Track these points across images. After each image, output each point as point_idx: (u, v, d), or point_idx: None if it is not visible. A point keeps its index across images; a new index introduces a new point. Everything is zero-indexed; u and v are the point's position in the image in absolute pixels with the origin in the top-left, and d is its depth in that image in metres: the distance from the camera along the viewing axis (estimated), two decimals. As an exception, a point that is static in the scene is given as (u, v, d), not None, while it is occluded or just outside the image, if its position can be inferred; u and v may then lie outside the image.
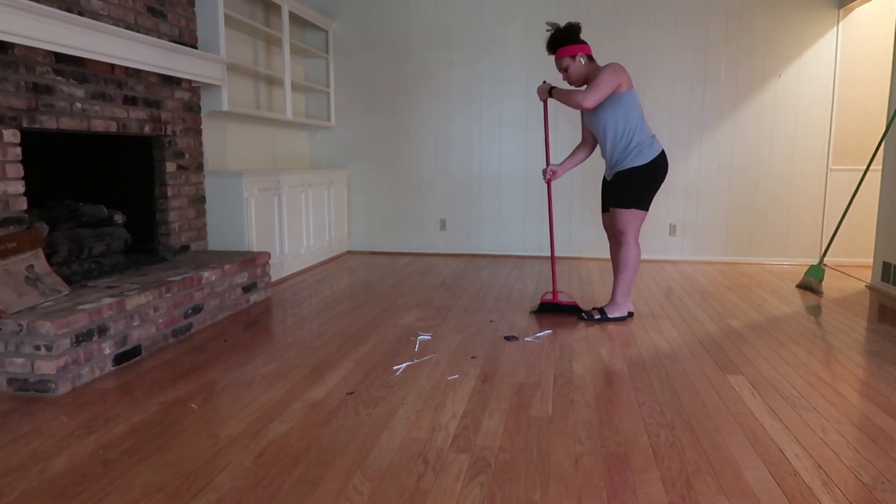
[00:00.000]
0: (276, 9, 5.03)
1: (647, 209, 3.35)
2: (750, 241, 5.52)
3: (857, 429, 2.13)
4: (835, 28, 5.19)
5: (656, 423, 2.18)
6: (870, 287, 4.45)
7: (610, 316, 3.46)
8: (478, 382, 2.56)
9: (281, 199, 4.56)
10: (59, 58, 2.94)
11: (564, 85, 5.19)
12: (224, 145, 4.50)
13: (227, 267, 3.55)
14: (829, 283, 4.62)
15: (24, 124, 2.77)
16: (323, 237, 5.36)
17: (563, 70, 3.37)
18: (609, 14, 5.40)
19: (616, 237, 3.44)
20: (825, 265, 5.19)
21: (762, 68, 5.32)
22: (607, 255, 5.67)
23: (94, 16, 3.12)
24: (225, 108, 4.06)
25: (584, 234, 5.67)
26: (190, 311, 3.22)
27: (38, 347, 2.36)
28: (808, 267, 4.92)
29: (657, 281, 4.70)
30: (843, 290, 4.38)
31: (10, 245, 2.59)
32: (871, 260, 5.14)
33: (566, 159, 3.66)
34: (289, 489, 1.73)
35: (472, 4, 5.57)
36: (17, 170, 2.75)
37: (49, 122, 2.90)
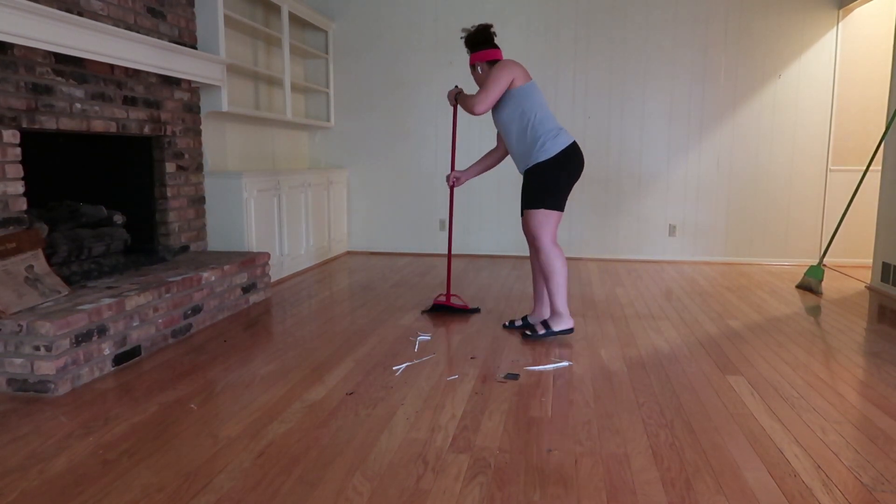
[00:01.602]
0: (276, 9, 5.03)
1: (559, 209, 3.07)
2: (749, 241, 5.52)
3: (857, 429, 2.13)
4: (834, 28, 5.20)
5: (656, 423, 2.18)
6: (869, 288, 4.45)
7: (555, 329, 3.14)
8: (477, 383, 2.56)
9: (280, 200, 4.56)
10: (59, 58, 2.94)
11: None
12: (224, 146, 4.50)
13: (226, 267, 3.55)
14: (829, 284, 4.62)
15: (24, 125, 2.77)
16: (322, 238, 5.36)
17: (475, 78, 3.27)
18: (609, 14, 5.41)
19: (530, 242, 3.17)
20: (825, 266, 5.19)
21: (762, 68, 5.32)
22: (607, 255, 5.67)
23: (94, 16, 3.12)
24: (224, 108, 4.06)
25: (584, 235, 5.67)
26: (189, 312, 3.22)
27: (37, 348, 2.36)
28: (807, 267, 4.92)
29: (657, 281, 4.70)
30: (843, 291, 4.38)
31: (10, 245, 2.59)
32: (871, 260, 5.13)
33: (472, 165, 3.50)
34: (288, 490, 1.73)
35: (472, 4, 5.57)
36: (16, 170, 2.75)
37: (49, 123, 2.90)
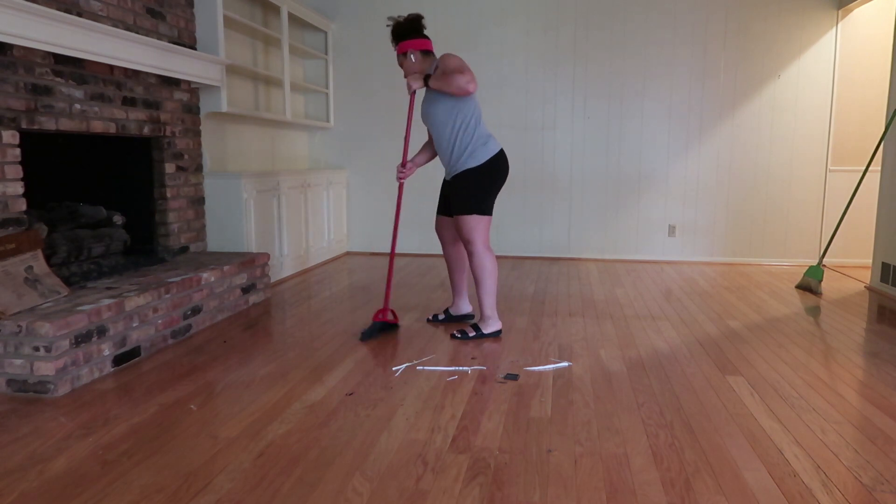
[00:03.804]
0: (275, 10, 5.03)
1: (489, 213, 3.09)
2: (749, 241, 5.52)
3: (857, 429, 2.13)
4: (834, 29, 5.20)
5: (655, 423, 2.18)
6: (869, 288, 4.45)
7: (485, 332, 3.16)
8: (477, 383, 2.56)
9: (280, 200, 4.56)
10: (58, 59, 2.94)
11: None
12: (223, 146, 4.50)
13: (226, 268, 3.55)
14: (829, 284, 4.62)
15: (24, 125, 2.77)
16: (322, 238, 5.36)
17: (400, 66, 3.22)
18: (608, 14, 5.41)
19: (464, 246, 3.16)
20: (824, 266, 5.19)
21: (761, 69, 5.32)
22: (607, 255, 5.67)
23: (93, 17, 3.12)
24: (224, 109, 4.06)
25: (583, 235, 5.67)
26: (189, 313, 3.22)
27: (37, 348, 2.36)
28: (807, 268, 4.92)
29: (656, 282, 4.70)
30: (843, 291, 4.39)
31: (10, 246, 2.59)
32: (871, 261, 5.14)
33: (416, 156, 3.37)
34: (288, 490, 1.73)
35: (472, 4, 5.57)
36: (16, 171, 2.75)
37: (48, 124, 2.90)
